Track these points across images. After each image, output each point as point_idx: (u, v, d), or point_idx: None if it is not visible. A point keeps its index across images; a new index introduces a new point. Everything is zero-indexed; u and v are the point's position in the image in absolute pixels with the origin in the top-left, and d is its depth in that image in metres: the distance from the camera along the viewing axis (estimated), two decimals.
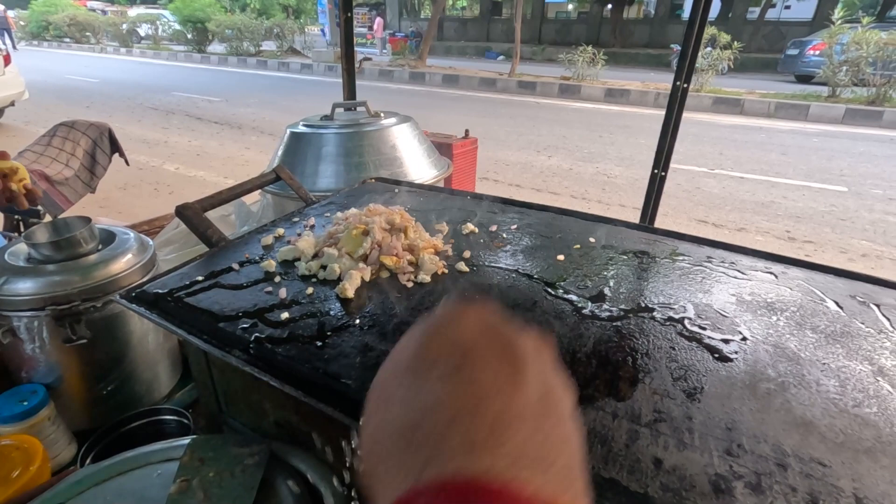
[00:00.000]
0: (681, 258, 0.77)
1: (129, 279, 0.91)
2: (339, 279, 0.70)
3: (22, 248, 0.93)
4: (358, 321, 0.62)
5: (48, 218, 1.85)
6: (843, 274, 0.71)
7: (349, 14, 1.67)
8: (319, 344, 0.58)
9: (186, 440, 0.65)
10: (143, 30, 19.99)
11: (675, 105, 1.18)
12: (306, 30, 18.72)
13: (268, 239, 0.84)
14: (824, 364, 0.53)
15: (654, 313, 0.63)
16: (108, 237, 0.99)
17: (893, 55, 8.97)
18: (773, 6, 21.65)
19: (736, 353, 0.55)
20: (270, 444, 0.65)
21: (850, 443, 0.43)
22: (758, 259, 0.77)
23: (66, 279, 0.86)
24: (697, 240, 0.81)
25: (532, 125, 8.66)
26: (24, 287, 0.84)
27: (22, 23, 21.21)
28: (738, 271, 0.74)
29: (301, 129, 1.36)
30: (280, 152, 1.37)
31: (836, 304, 0.64)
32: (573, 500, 0.21)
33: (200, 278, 0.73)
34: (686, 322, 0.61)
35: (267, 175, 1.03)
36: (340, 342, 0.58)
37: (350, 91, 1.78)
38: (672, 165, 5.99)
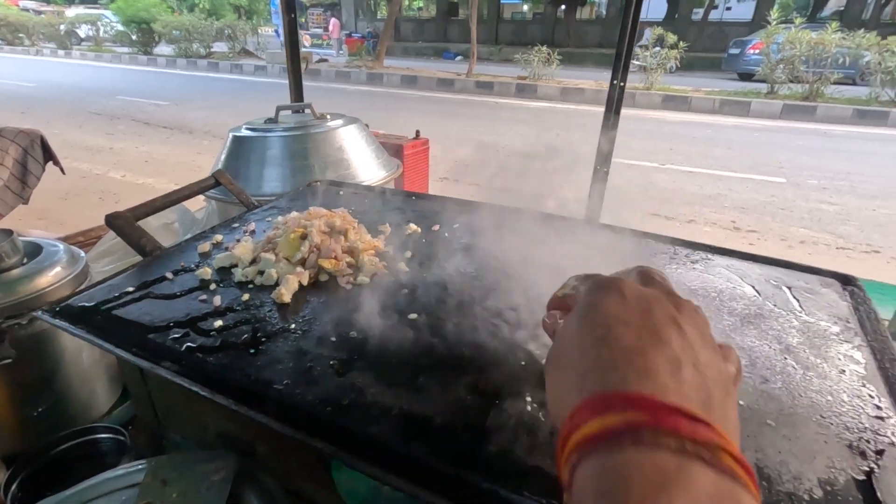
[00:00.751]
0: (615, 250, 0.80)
1: (58, 294, 0.87)
2: (277, 284, 0.69)
3: None
4: (293, 326, 0.61)
5: None
6: (760, 259, 0.76)
7: (293, 15, 1.64)
8: (253, 351, 0.57)
9: (152, 461, 0.63)
10: (83, 31, 19.00)
11: (614, 103, 1.23)
12: (259, 30, 18.26)
13: (205, 246, 0.82)
14: (738, 345, 0.57)
15: None
16: (34, 250, 0.94)
17: (823, 54, 9.57)
18: (716, 7, 22.69)
19: None
20: (237, 458, 0.63)
21: (756, 416, 0.46)
22: (684, 247, 0.81)
23: None
24: (630, 231, 0.85)
25: (491, 125, 8.76)
26: None
27: None
28: (670, 259, 0.78)
29: (244, 132, 1.33)
30: (223, 157, 1.33)
31: (753, 288, 0.68)
32: (722, 435, 0.26)
33: (131, 289, 0.71)
34: None
35: (206, 180, 1.00)
36: (275, 348, 0.58)
37: (296, 93, 1.75)
38: (626, 161, 6.17)
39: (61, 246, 0.98)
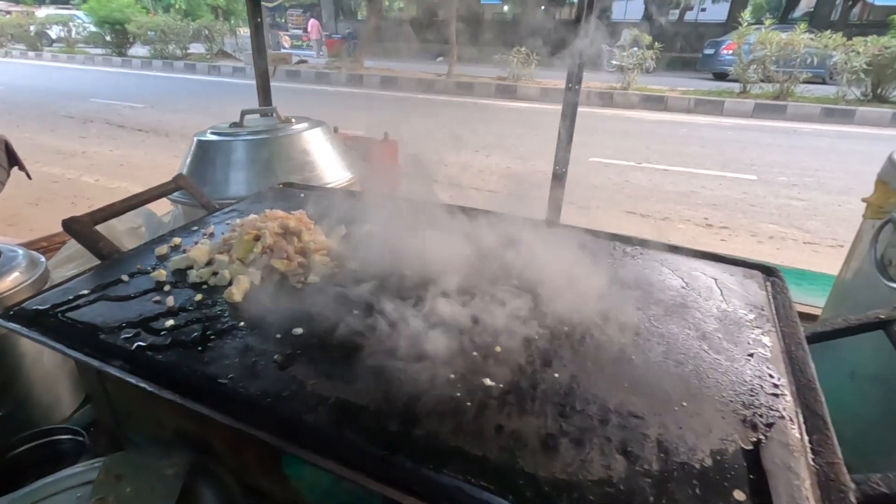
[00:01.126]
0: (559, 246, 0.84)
1: (16, 298, 0.88)
2: (230, 284, 0.71)
3: None
4: (242, 324, 0.64)
5: None
6: (693, 253, 0.81)
7: (259, 20, 1.65)
8: (201, 348, 0.59)
9: (107, 458, 0.64)
10: (55, 32, 18.53)
11: (570, 109, 1.27)
12: (238, 31, 18.03)
13: (162, 249, 0.84)
14: (660, 333, 0.61)
15: (516, 296, 0.69)
16: None
17: (793, 54, 9.85)
18: (691, 9, 23.15)
19: (587, 328, 0.62)
20: (191, 454, 0.65)
21: (665, 397, 0.51)
22: (626, 244, 0.86)
23: None
24: (576, 228, 0.89)
25: (471, 125, 8.80)
26: None
27: None
28: (608, 255, 0.82)
29: (209, 136, 1.34)
30: (188, 161, 1.34)
31: (682, 280, 0.73)
32: None
33: (86, 292, 0.72)
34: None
35: (167, 184, 1.02)
36: (223, 345, 0.60)
37: (264, 96, 1.77)
38: (602, 161, 6.24)
39: (20, 251, 0.99)
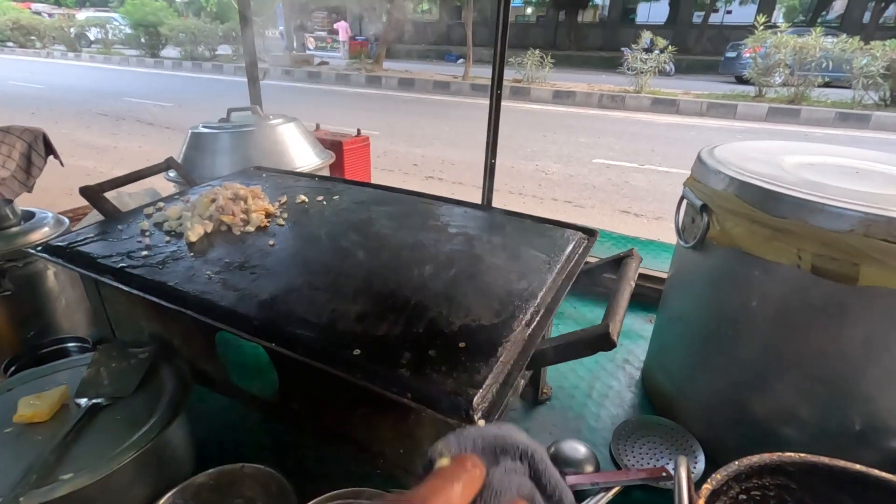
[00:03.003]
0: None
1: None
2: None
3: None
4: (192, 255, 0.93)
5: None
6: (532, 218, 1.07)
7: (248, 19, 1.96)
8: (161, 267, 0.88)
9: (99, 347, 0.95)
10: (93, 34, 19.48)
11: (493, 111, 1.54)
12: (265, 33, 18.65)
13: (149, 210, 1.14)
14: (470, 262, 0.87)
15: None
16: (29, 216, 1.27)
17: (808, 58, 9.78)
18: (716, 11, 22.89)
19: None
20: (158, 347, 0.94)
21: (451, 298, 0.77)
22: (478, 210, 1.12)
23: None
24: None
25: (481, 126, 9.02)
26: None
27: None
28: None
29: (201, 129, 1.66)
30: (184, 148, 1.66)
31: (507, 232, 0.99)
32: None
33: (91, 235, 1.02)
34: None
35: (160, 164, 1.32)
36: (175, 266, 0.89)
37: (254, 96, 2.08)
38: (606, 162, 6.41)
39: (50, 214, 1.31)
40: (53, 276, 1.24)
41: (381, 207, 1.13)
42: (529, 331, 0.71)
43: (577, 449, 1.01)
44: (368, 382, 0.62)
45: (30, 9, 21.99)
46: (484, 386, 0.60)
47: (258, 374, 1.18)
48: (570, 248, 0.95)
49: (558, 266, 0.87)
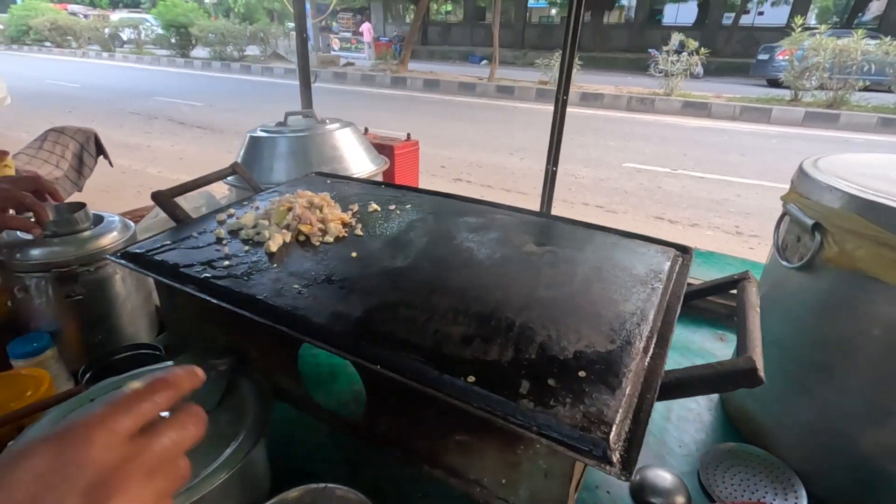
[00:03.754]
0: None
1: (115, 249, 1.18)
2: (269, 241, 0.98)
3: None
4: (275, 266, 0.90)
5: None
6: (622, 234, 1.02)
7: (304, 35, 1.95)
8: (246, 279, 0.86)
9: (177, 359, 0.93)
10: (126, 34, 19.98)
11: (558, 113, 1.48)
12: (292, 34, 18.86)
13: (221, 216, 1.12)
14: (570, 281, 0.83)
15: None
16: (98, 219, 1.26)
17: (848, 61, 9.47)
18: (747, 12, 22.36)
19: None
20: (235, 359, 0.92)
21: (556, 319, 0.73)
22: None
23: (65, 249, 1.13)
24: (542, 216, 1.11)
25: (507, 128, 8.99)
26: (35, 255, 1.11)
27: (1, 26, 21.04)
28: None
29: (259, 133, 1.64)
30: (242, 152, 1.65)
31: (604, 249, 0.94)
32: None
33: (168, 243, 1.01)
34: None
35: (225, 169, 1.31)
36: (261, 278, 0.86)
37: (307, 101, 2.07)
38: (636, 166, 6.29)
39: (117, 218, 1.30)
40: (121, 280, 1.23)
41: (457, 218, 1.09)
42: (648, 359, 0.67)
43: (664, 477, 0.96)
44: (489, 414, 0.59)
45: (66, 10, 22.66)
46: (616, 422, 0.56)
47: (341, 390, 1.15)
48: (667, 266, 0.89)
49: (660, 286, 0.82)
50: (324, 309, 0.77)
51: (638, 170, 6.61)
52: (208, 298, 0.81)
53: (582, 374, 0.63)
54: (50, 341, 1.14)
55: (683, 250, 0.95)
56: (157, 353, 1.09)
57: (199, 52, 17.85)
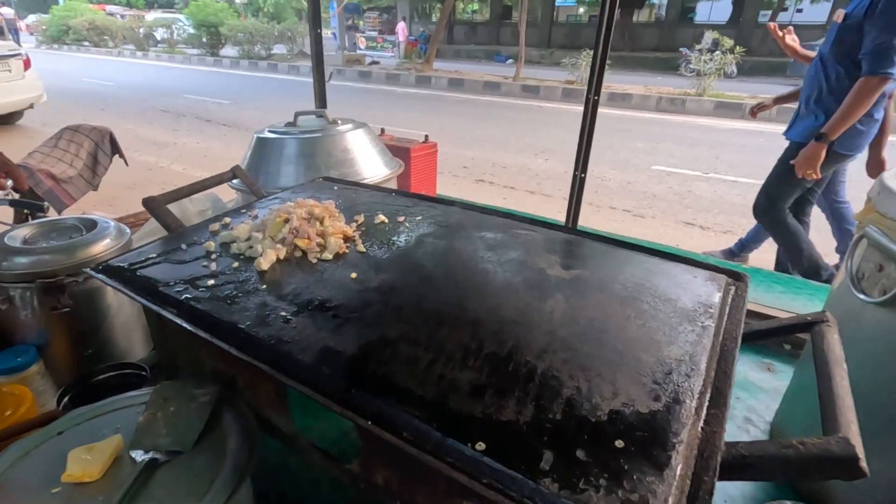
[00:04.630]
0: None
1: (106, 259, 1.10)
2: (261, 256, 0.88)
3: (19, 233, 1.13)
4: (264, 287, 0.80)
5: (52, 212, 2.07)
6: (666, 256, 0.88)
7: (318, 30, 1.86)
8: (230, 302, 0.76)
9: (158, 385, 0.83)
10: (160, 34, 20.47)
11: (588, 115, 1.34)
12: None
13: (215, 226, 1.02)
14: (617, 315, 0.70)
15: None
16: (91, 225, 1.19)
17: None
18: (785, 9, 21.52)
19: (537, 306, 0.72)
20: (220, 388, 0.82)
21: (586, 366, 0.60)
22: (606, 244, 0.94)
23: (52, 258, 1.06)
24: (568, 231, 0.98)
25: (532, 129, 8.79)
26: (19, 263, 1.04)
27: (43, 27, 21.84)
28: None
29: (266, 134, 1.55)
30: (248, 154, 1.56)
31: (644, 276, 0.80)
32: None
33: (154, 255, 0.92)
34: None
35: (225, 173, 1.21)
36: (247, 301, 0.76)
37: (321, 99, 1.97)
38: (665, 169, 6.05)
39: (112, 223, 1.22)
40: (112, 292, 1.15)
41: (473, 233, 0.97)
42: (702, 423, 0.53)
43: None
44: (500, 493, 0.46)
45: (104, 10, 23.36)
46: None
47: (333, 431, 1.05)
48: (718, 297, 0.75)
49: (712, 324, 0.69)
50: (313, 343, 0.66)
51: (667, 173, 6.35)
52: (184, 324, 0.71)
53: (619, 443, 0.50)
54: (35, 355, 1.07)
55: (737, 277, 0.81)
56: (143, 373, 1.01)
57: (228, 50, 18.11)
